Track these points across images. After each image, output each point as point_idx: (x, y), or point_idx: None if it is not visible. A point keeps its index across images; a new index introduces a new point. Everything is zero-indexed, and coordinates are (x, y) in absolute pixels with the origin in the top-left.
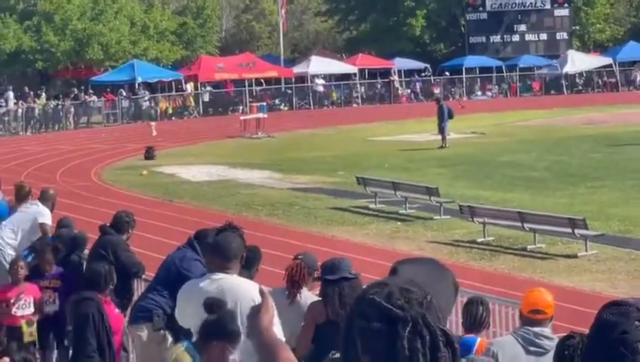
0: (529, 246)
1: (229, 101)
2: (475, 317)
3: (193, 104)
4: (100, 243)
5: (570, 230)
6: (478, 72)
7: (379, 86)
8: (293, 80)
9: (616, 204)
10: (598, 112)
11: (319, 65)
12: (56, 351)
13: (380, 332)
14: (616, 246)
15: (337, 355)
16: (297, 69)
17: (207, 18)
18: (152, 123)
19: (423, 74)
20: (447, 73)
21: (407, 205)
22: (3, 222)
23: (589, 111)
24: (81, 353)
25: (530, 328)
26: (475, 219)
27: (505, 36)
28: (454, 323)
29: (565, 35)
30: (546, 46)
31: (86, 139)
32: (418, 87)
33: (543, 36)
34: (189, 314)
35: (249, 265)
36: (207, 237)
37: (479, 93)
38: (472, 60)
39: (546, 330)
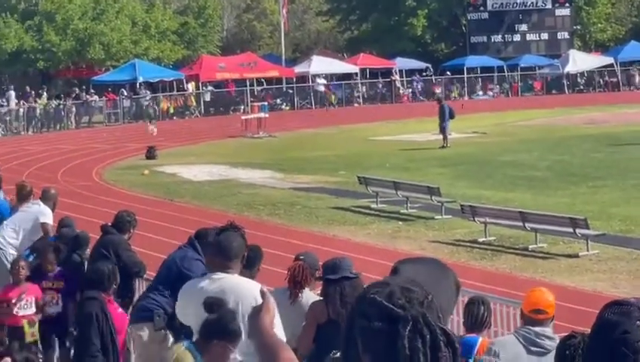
0: (530, 246)
1: (230, 101)
2: (477, 317)
3: (194, 104)
4: (102, 243)
5: (571, 230)
6: (479, 71)
7: (380, 86)
8: (295, 80)
9: (617, 204)
10: (599, 112)
11: (320, 65)
12: (57, 352)
13: (380, 331)
14: (618, 245)
15: (339, 355)
16: (299, 69)
17: (209, 18)
18: (149, 123)
19: (425, 74)
20: (448, 73)
21: (409, 205)
22: (4, 222)
23: (591, 110)
24: (85, 352)
25: (531, 328)
26: (476, 219)
27: (506, 36)
28: (456, 323)
29: (566, 35)
30: (548, 46)
31: (87, 139)
32: (419, 86)
33: (544, 36)
34: (190, 313)
35: (250, 265)
36: (208, 236)
37: (480, 92)
38: (473, 60)
39: (548, 330)
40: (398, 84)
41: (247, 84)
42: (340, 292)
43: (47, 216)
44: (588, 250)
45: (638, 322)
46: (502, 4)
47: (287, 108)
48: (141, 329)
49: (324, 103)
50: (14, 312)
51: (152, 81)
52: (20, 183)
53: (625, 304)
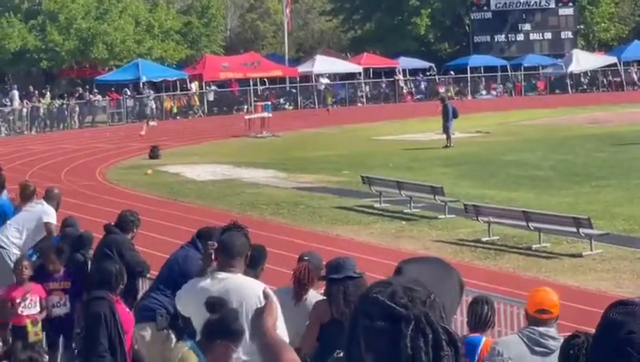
0: (534, 246)
1: (233, 100)
2: (480, 317)
3: (198, 103)
4: (105, 243)
5: (575, 229)
6: (482, 71)
7: (383, 85)
8: (298, 79)
9: (621, 203)
10: (602, 111)
11: (324, 65)
12: (61, 352)
13: (383, 330)
14: (621, 245)
15: (342, 354)
16: (302, 68)
17: (212, 17)
18: (145, 123)
19: (428, 73)
20: (451, 72)
21: (412, 204)
22: (8, 222)
23: (594, 110)
24: (93, 352)
25: (535, 328)
26: (479, 218)
27: (509, 35)
28: (459, 323)
29: (570, 34)
30: (551, 45)
31: (91, 139)
32: (423, 86)
33: (548, 35)
34: (192, 313)
35: (255, 264)
36: (210, 235)
37: (484, 92)
38: (476, 59)
39: (552, 330)
40: (402, 84)
41: (251, 83)
42: (344, 292)
43: (50, 215)
44: (591, 250)
45: None
46: (505, 3)
47: (291, 107)
48: (144, 329)
49: (326, 103)
50: (19, 312)
51: (155, 80)
52: (23, 183)
53: (630, 304)
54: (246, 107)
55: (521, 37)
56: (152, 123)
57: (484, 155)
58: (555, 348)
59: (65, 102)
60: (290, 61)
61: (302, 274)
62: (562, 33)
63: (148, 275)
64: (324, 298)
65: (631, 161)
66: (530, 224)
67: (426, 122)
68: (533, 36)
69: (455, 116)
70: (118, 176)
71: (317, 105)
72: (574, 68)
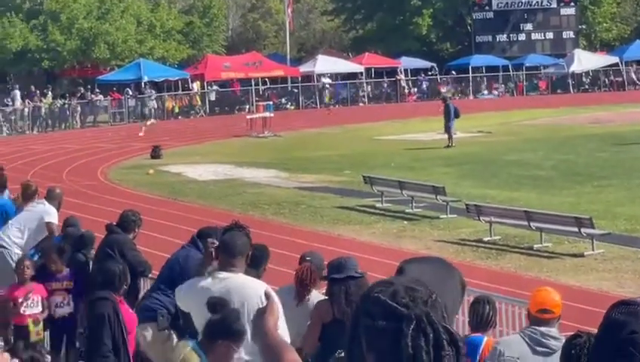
0: (535, 245)
1: (235, 100)
2: (482, 316)
3: (199, 103)
4: (107, 242)
5: (576, 229)
6: (484, 71)
7: (385, 85)
8: (300, 79)
9: (622, 203)
10: (604, 111)
11: (326, 65)
12: (63, 351)
13: (384, 330)
14: (623, 245)
15: (344, 354)
16: (304, 68)
17: (214, 17)
18: (143, 123)
19: (430, 73)
20: (453, 72)
21: (414, 204)
22: (10, 221)
23: (596, 110)
24: (96, 353)
25: (537, 328)
26: (481, 218)
27: (511, 35)
28: (461, 322)
29: (572, 34)
30: (553, 45)
31: (92, 138)
32: (424, 86)
33: (550, 35)
34: (193, 311)
35: (257, 264)
36: (210, 233)
37: (486, 92)
38: (478, 59)
39: (553, 330)
40: (404, 84)
41: (252, 83)
42: (345, 292)
43: (52, 215)
44: (593, 250)
45: None
46: (507, 3)
47: (292, 107)
48: (145, 330)
49: (328, 103)
50: (21, 311)
51: (157, 80)
52: (25, 182)
53: (633, 304)
54: (248, 107)
55: (522, 37)
56: (151, 121)
57: (485, 155)
58: (557, 348)
59: (66, 102)
60: (292, 61)
61: (304, 275)
62: (564, 33)
63: (149, 275)
64: (326, 298)
65: (632, 160)
66: (531, 224)
67: (427, 122)
68: (534, 36)
69: (457, 116)
70: (119, 175)
71: (319, 105)
72: (576, 68)
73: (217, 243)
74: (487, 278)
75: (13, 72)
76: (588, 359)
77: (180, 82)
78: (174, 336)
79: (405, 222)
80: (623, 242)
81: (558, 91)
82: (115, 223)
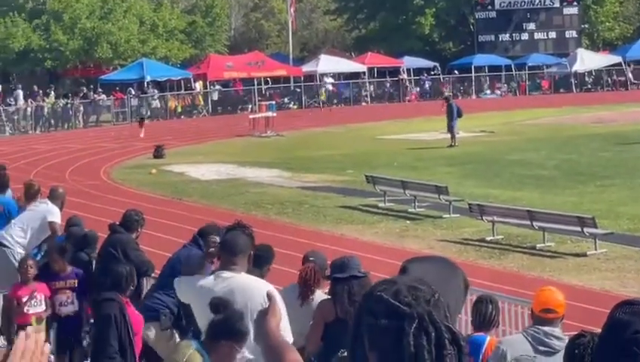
0: (538, 245)
1: (238, 100)
2: (485, 316)
3: (202, 103)
4: (110, 242)
5: (579, 228)
6: (487, 70)
7: (388, 84)
8: (302, 78)
9: (625, 203)
10: (607, 111)
11: (328, 64)
12: (69, 351)
13: (387, 328)
14: (626, 244)
15: (346, 353)
16: (306, 68)
17: (216, 17)
18: (140, 124)
19: (432, 72)
20: (456, 72)
21: (417, 204)
22: (12, 221)
23: (599, 109)
24: (103, 354)
25: (540, 327)
26: (484, 218)
27: (514, 35)
28: (464, 322)
29: (574, 34)
30: (555, 44)
31: (95, 138)
32: (427, 85)
33: (552, 35)
34: (196, 312)
35: (260, 264)
36: (211, 230)
37: (488, 91)
38: (481, 59)
39: (557, 330)
40: (406, 83)
41: (255, 83)
42: (348, 291)
43: (54, 214)
44: (596, 249)
45: None
46: (510, 2)
47: (295, 107)
48: (148, 329)
49: (329, 103)
50: (25, 310)
51: (159, 80)
52: (27, 182)
53: (636, 303)
54: (250, 106)
55: (525, 36)
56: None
57: (488, 155)
58: (560, 348)
59: (69, 101)
60: (295, 60)
61: (308, 275)
62: (567, 32)
63: (152, 275)
64: (329, 297)
65: (635, 160)
66: (534, 223)
67: (430, 121)
68: (537, 35)
69: (459, 115)
70: (122, 175)
71: (321, 105)
72: (579, 67)
73: (219, 239)
74: (489, 278)
75: (16, 71)
76: (592, 359)
77: (182, 82)
78: (177, 336)
79: (408, 221)
80: (625, 241)
81: (561, 91)
82: (118, 223)
